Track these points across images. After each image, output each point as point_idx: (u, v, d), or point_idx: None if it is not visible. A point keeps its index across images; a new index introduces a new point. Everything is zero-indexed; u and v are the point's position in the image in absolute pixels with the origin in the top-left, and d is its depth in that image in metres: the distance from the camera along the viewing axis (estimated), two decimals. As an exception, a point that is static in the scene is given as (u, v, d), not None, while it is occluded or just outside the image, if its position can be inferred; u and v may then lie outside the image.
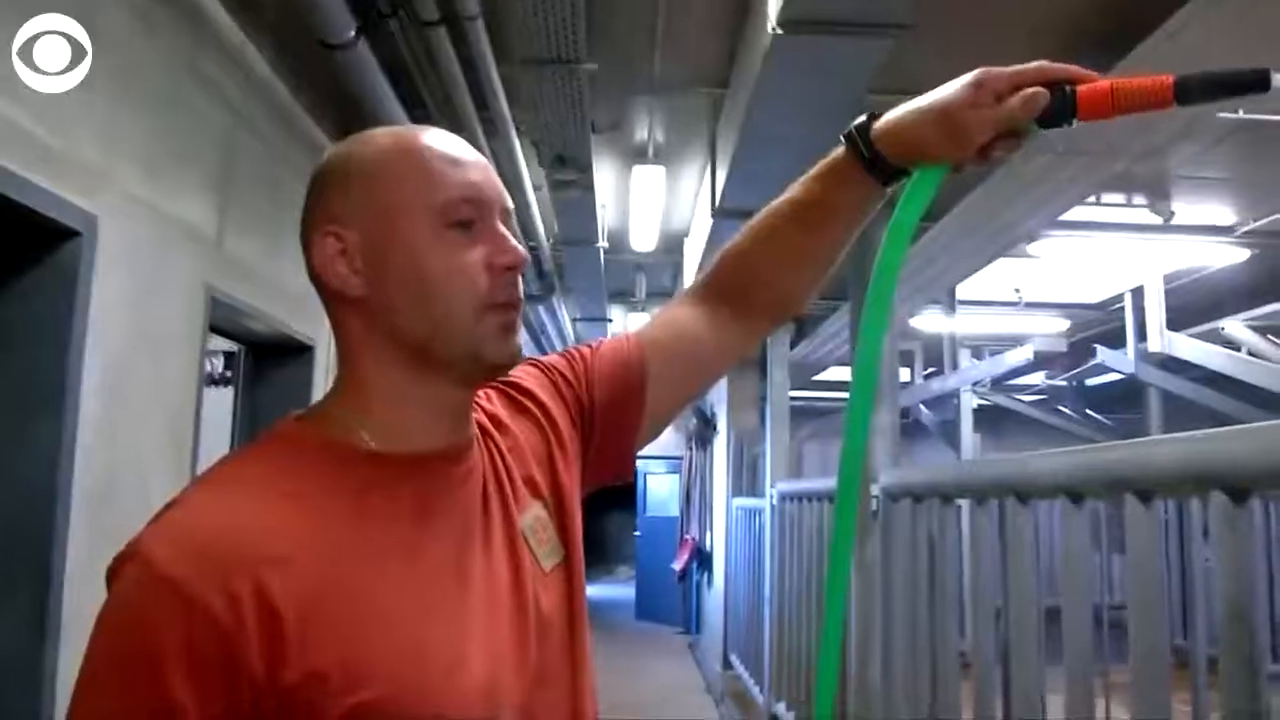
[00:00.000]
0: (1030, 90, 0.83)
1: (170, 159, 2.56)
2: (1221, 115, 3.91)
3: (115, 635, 0.72)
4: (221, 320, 2.97)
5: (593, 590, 16.42)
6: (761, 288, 1.08)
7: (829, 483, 3.83)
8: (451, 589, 0.81)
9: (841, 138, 0.95)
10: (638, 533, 12.88)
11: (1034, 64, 0.85)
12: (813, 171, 1.00)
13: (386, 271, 0.82)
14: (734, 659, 7.10)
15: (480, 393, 0.96)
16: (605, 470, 1.06)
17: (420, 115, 3.84)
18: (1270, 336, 6.11)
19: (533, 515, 0.92)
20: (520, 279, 0.86)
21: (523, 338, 0.94)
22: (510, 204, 0.88)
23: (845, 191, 0.97)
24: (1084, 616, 1.85)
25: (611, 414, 1.04)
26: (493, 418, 0.96)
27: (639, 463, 12.55)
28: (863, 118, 0.94)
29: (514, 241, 0.85)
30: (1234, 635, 1.37)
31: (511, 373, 0.99)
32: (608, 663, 8.86)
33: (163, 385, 2.57)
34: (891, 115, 0.92)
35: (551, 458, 0.98)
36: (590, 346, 1.08)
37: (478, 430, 0.91)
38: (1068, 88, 0.83)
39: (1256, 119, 4.14)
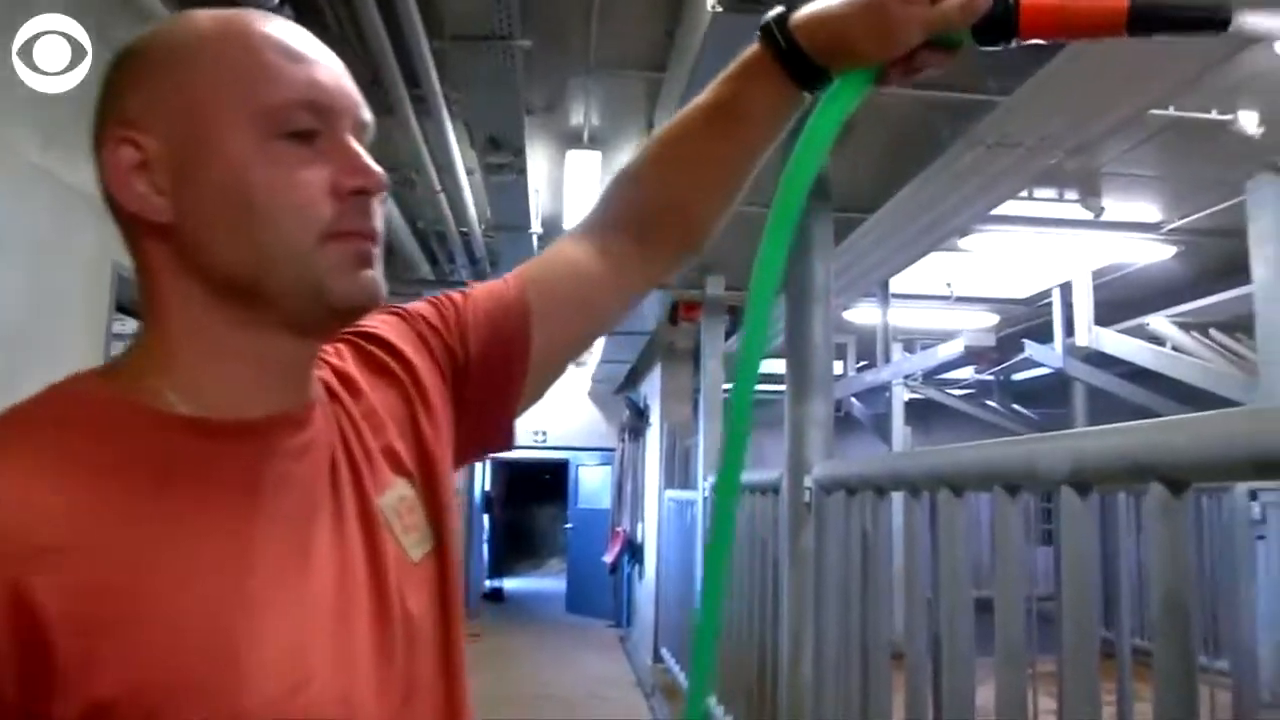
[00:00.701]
0: None
1: (73, 125, 2.42)
2: (1152, 112, 3.96)
3: None
4: (131, 301, 2.83)
5: (523, 583, 16.52)
6: (662, 210, 0.93)
7: (761, 475, 3.80)
8: (291, 587, 0.65)
9: (757, 30, 0.82)
10: (569, 525, 12.82)
11: None
12: (725, 72, 0.86)
13: (198, 191, 0.65)
14: (665, 652, 7.07)
15: (328, 346, 0.79)
16: (483, 438, 0.90)
17: (348, 92, 3.71)
18: (1194, 333, 6.23)
19: (396, 495, 0.76)
20: (377, 208, 0.70)
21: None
22: (368, 116, 0.72)
23: (759, 91, 0.84)
24: (1017, 607, 1.83)
25: (490, 369, 0.87)
26: (342, 376, 0.79)
27: (571, 454, 12.49)
28: (780, 8, 0.82)
29: (368, 160, 0.69)
30: (1169, 626, 1.35)
31: (367, 322, 0.83)
32: (537, 657, 8.79)
33: (65, 370, 2.43)
34: (814, 4, 0.80)
35: (417, 425, 0.81)
36: (463, 291, 0.91)
37: (323, 392, 0.75)
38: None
39: (1184, 116, 4.21)
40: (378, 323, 0.84)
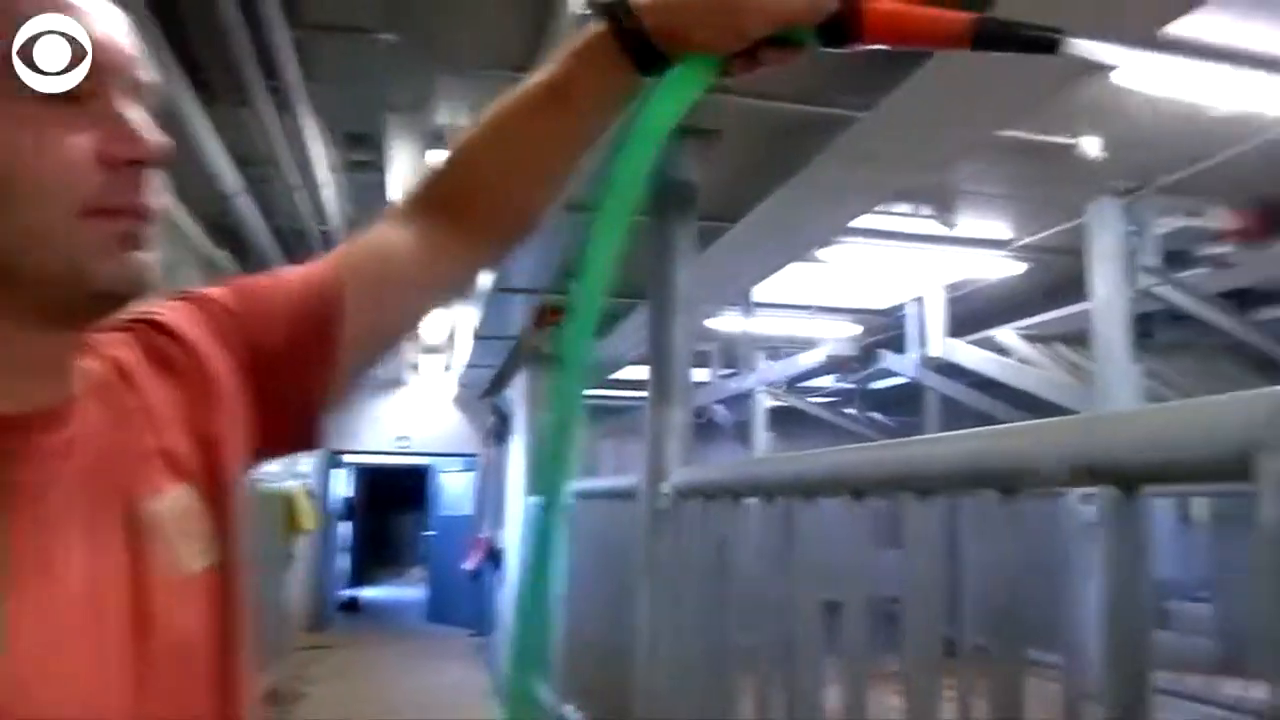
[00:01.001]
0: None
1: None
2: (1004, 134, 4.13)
3: None
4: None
5: (382, 593, 16.14)
6: (487, 193, 0.86)
7: (621, 481, 3.80)
8: (32, 600, 0.57)
9: (599, 3, 0.78)
10: (431, 532, 12.61)
11: None
12: (563, 50, 0.81)
13: None
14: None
15: (108, 334, 0.70)
16: (288, 435, 0.82)
17: (198, 81, 3.57)
18: (1039, 345, 6.54)
19: (171, 500, 0.68)
20: (153, 182, 0.62)
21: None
22: (149, 77, 0.64)
23: (593, 72, 0.79)
24: (862, 610, 1.87)
25: (296, 359, 0.79)
26: (119, 367, 0.69)
27: (435, 460, 12.29)
28: None
29: (143, 125, 0.61)
30: (1001, 624, 1.41)
31: (155, 309, 0.74)
32: (392, 667, 8.61)
33: None
34: None
35: (204, 424, 0.72)
36: (269, 275, 0.83)
37: (95, 385, 0.67)
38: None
39: (1033, 139, 4.41)
40: (167, 310, 0.76)
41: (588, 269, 0.72)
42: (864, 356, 8.35)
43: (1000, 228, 5.95)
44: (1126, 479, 1.11)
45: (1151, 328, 6.09)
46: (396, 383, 11.29)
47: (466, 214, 0.87)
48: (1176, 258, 5.71)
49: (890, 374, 8.58)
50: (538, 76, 0.82)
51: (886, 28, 0.74)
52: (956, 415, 7.74)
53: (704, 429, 10.73)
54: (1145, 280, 5.32)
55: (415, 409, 11.36)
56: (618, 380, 9.10)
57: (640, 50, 0.76)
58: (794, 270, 6.01)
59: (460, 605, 10.92)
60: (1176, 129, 4.37)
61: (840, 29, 0.74)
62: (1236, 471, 0.95)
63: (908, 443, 1.83)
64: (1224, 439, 0.97)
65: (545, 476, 0.76)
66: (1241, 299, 6.15)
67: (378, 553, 17.31)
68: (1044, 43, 0.71)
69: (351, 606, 13.22)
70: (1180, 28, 3.24)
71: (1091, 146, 4.55)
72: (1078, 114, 4.26)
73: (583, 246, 0.73)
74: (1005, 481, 1.34)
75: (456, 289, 0.94)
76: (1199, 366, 6.36)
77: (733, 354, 8.96)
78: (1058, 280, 6.60)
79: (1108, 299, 5.00)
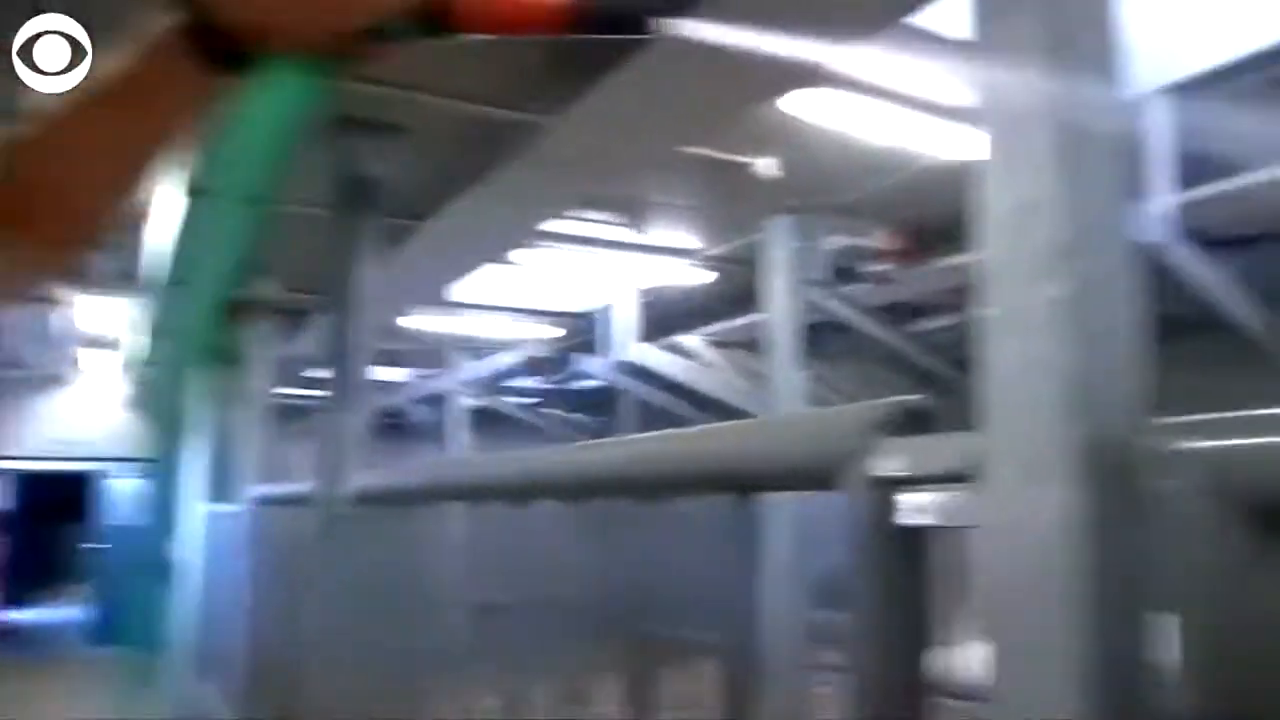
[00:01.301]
0: None
1: None
2: (688, 150, 4.32)
3: None
4: None
5: (47, 614, 14.47)
6: (46, 196, 0.75)
7: (299, 487, 3.66)
8: None
9: None
10: (99, 544, 11.53)
11: None
12: (137, 40, 0.70)
13: None
14: (205, 676, 6.58)
15: None
16: None
17: None
18: (722, 350, 6.90)
19: None
20: None
21: None
22: None
23: (165, 69, 0.70)
24: (524, 609, 1.91)
25: None
26: None
27: (103, 465, 11.28)
28: None
29: None
30: (628, 616, 1.49)
31: None
32: (47, 697, 7.82)
33: None
34: None
35: None
36: None
37: None
38: None
39: (719, 156, 4.65)
40: None
41: (197, 273, 0.69)
42: (560, 359, 8.49)
43: (689, 238, 6.23)
44: (738, 487, 1.19)
45: (819, 337, 6.60)
46: (56, 380, 10.25)
47: (27, 219, 0.76)
48: (843, 273, 6.23)
49: (588, 376, 8.78)
50: (109, 69, 0.73)
51: (482, 15, 0.73)
52: (651, 417, 8.03)
53: (402, 430, 10.53)
54: (813, 293, 5.76)
55: (81, 410, 10.38)
56: (310, 378, 8.75)
57: (218, 40, 0.69)
58: (495, 272, 6.02)
59: (132, 624, 10.08)
60: (842, 156, 4.75)
61: (436, 18, 0.72)
62: (829, 480, 1.03)
63: (566, 450, 1.88)
64: (819, 451, 1.06)
65: (158, 465, 0.73)
66: (897, 312, 6.79)
67: (41, 571, 15.60)
68: (636, 22, 0.74)
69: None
70: (841, 61, 3.53)
71: (768, 168, 4.85)
72: (757, 136, 4.54)
73: (192, 250, 0.69)
74: (640, 490, 1.40)
75: (17, 299, 0.83)
76: (860, 373, 6.96)
77: (433, 354, 8.83)
78: (740, 290, 7.01)
79: (779, 309, 5.36)
